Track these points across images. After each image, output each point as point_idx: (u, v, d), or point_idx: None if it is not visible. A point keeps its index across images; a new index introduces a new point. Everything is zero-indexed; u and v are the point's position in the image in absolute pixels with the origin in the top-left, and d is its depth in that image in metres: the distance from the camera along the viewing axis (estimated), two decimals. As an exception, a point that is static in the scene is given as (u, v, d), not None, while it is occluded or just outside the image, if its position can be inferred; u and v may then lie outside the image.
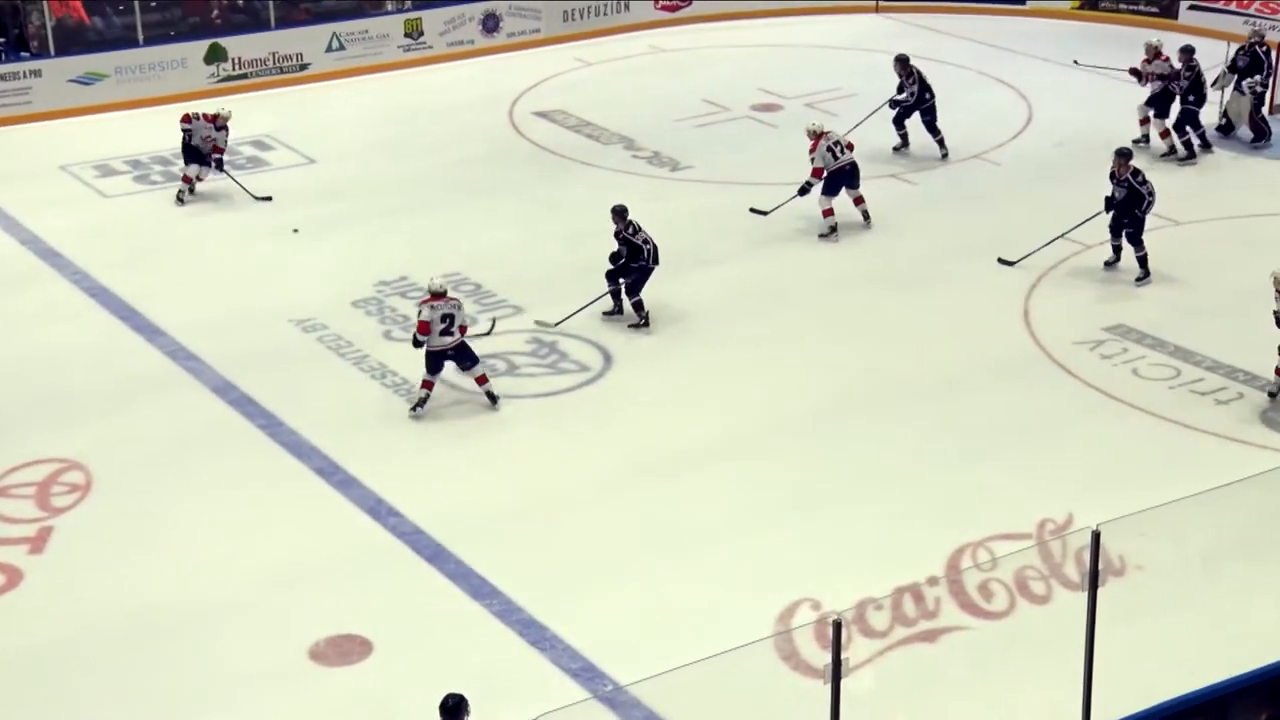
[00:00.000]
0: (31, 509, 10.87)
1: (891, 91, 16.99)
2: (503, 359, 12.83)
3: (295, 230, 15.51)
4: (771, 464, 11.31)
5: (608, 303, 13.48)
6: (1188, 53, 16.87)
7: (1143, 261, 13.95)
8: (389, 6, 21.00)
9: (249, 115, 18.82)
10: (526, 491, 11.08)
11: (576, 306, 13.43)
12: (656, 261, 13.40)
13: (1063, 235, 14.24)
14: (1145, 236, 13.97)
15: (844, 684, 6.85)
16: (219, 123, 16.13)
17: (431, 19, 20.93)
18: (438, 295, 11.82)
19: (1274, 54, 17.11)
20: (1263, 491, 8.78)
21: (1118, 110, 17.67)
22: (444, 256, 14.83)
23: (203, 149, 16.08)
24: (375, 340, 13.25)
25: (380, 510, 10.83)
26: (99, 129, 18.48)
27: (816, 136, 14.94)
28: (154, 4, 19.87)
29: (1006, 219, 15.40)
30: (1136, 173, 13.92)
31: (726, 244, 15.07)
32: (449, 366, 12.01)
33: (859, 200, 15.15)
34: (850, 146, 15.09)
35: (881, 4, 22.68)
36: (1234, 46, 17.13)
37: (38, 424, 11.98)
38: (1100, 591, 7.31)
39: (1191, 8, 21.07)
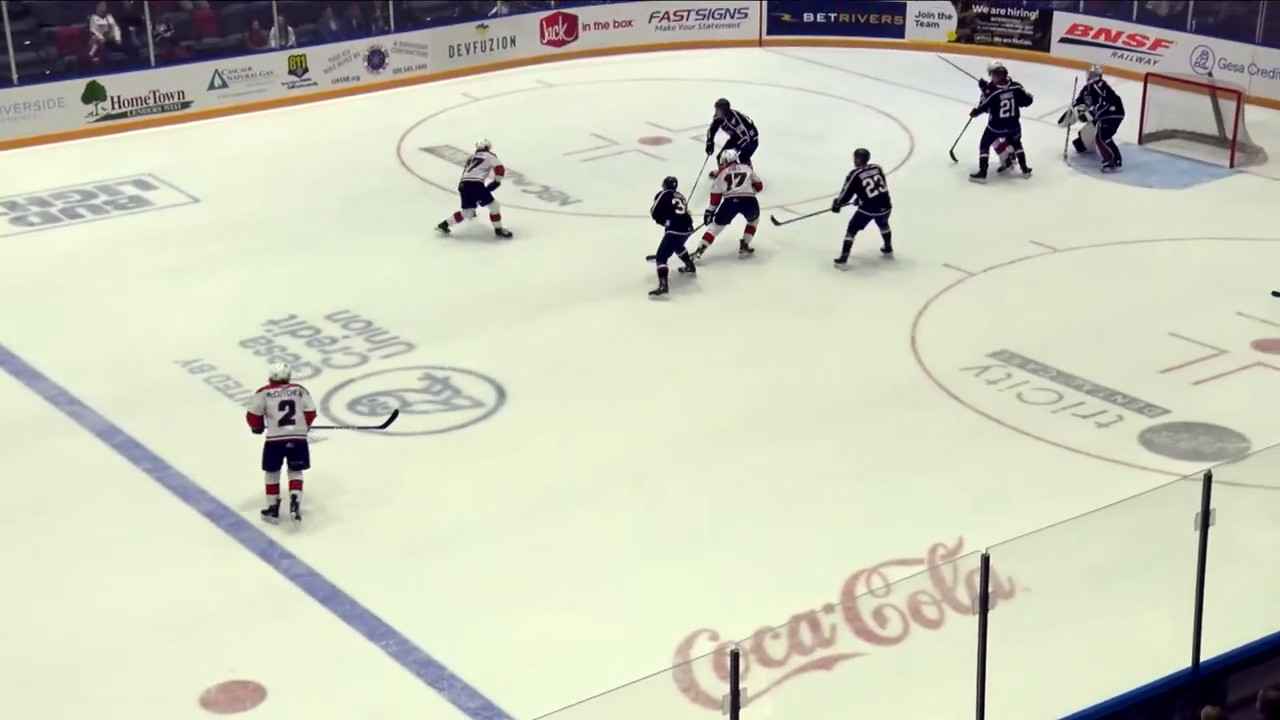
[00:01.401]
0: (-93, 561, 10.55)
1: (779, 123, 17.17)
2: (396, 396, 12.74)
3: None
4: (666, 495, 11.35)
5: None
6: (998, 74, 17.44)
7: (846, 247, 15.17)
8: (272, 44, 20.83)
9: (130, 154, 18.57)
10: (420, 529, 11.00)
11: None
12: (680, 227, 14.55)
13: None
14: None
15: (743, 714, 6.87)
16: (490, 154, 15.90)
17: (316, 56, 20.80)
18: (278, 382, 10.90)
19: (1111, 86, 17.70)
20: (1143, 511, 8.99)
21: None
22: (333, 293, 14.72)
23: (485, 181, 15.82)
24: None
25: (272, 553, 10.67)
26: (-26, 170, 18.07)
27: (724, 165, 15.36)
28: (28, 42, 19.51)
29: (893, 244, 15.63)
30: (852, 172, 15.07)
31: (618, 276, 15.13)
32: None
33: (749, 229, 15.39)
34: (758, 186, 15.27)
35: (766, 38, 23.01)
36: (1080, 85, 17.67)
37: (-87, 473, 11.64)
38: (991, 614, 7.42)
39: (1062, 40, 21.69)
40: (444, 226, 16.01)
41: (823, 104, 20.30)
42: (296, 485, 11.00)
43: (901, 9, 22.68)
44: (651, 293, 14.49)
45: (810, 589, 9.99)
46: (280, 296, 14.66)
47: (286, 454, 10.91)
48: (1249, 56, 19.62)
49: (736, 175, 15.18)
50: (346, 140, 19.33)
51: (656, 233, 14.75)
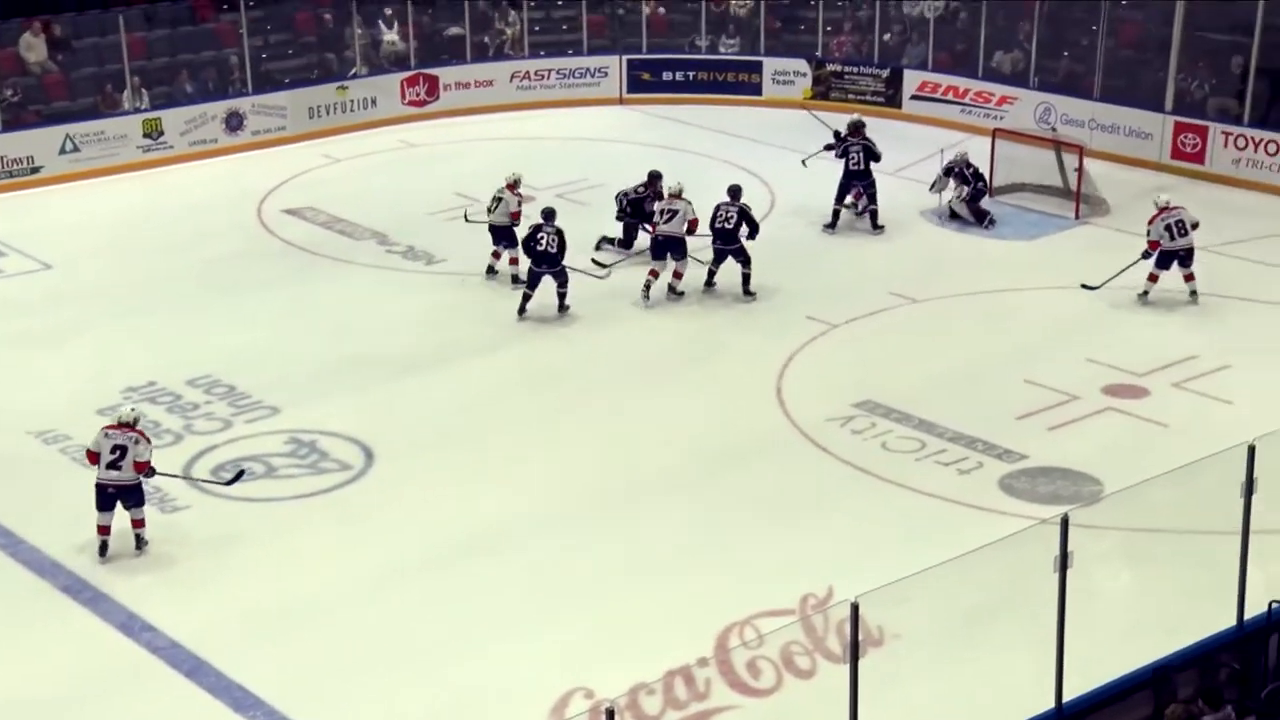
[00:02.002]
0: None
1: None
2: (261, 461, 12.53)
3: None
4: (536, 555, 11.30)
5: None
6: (853, 127, 17.98)
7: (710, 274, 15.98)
8: (126, 107, 20.49)
9: (-23, 220, 18.09)
10: (287, 596, 10.80)
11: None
12: (538, 263, 15.06)
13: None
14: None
15: (620, 772, 6.87)
16: (517, 190, 16.18)
17: (171, 118, 20.50)
18: (120, 425, 10.98)
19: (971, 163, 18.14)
20: (1005, 555, 9.18)
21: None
22: (195, 359, 14.45)
23: (508, 223, 16.05)
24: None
25: (133, 626, 10.39)
26: None
27: (668, 196, 15.96)
28: None
29: (757, 298, 15.88)
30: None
31: (485, 335, 15.13)
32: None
33: (676, 274, 15.77)
34: (692, 225, 15.68)
35: (626, 96, 23.28)
36: (947, 156, 18.18)
37: None
38: (861, 662, 7.53)
39: (913, 98, 22.31)
40: (491, 270, 16.20)
41: (684, 160, 20.49)
42: (137, 524, 11.10)
43: (758, 67, 23.16)
44: (519, 309, 15.25)
45: (683, 643, 10.01)
46: (139, 363, 14.35)
47: (114, 498, 10.95)
48: (1089, 112, 20.38)
49: (668, 212, 15.60)
50: (205, 203, 19.06)
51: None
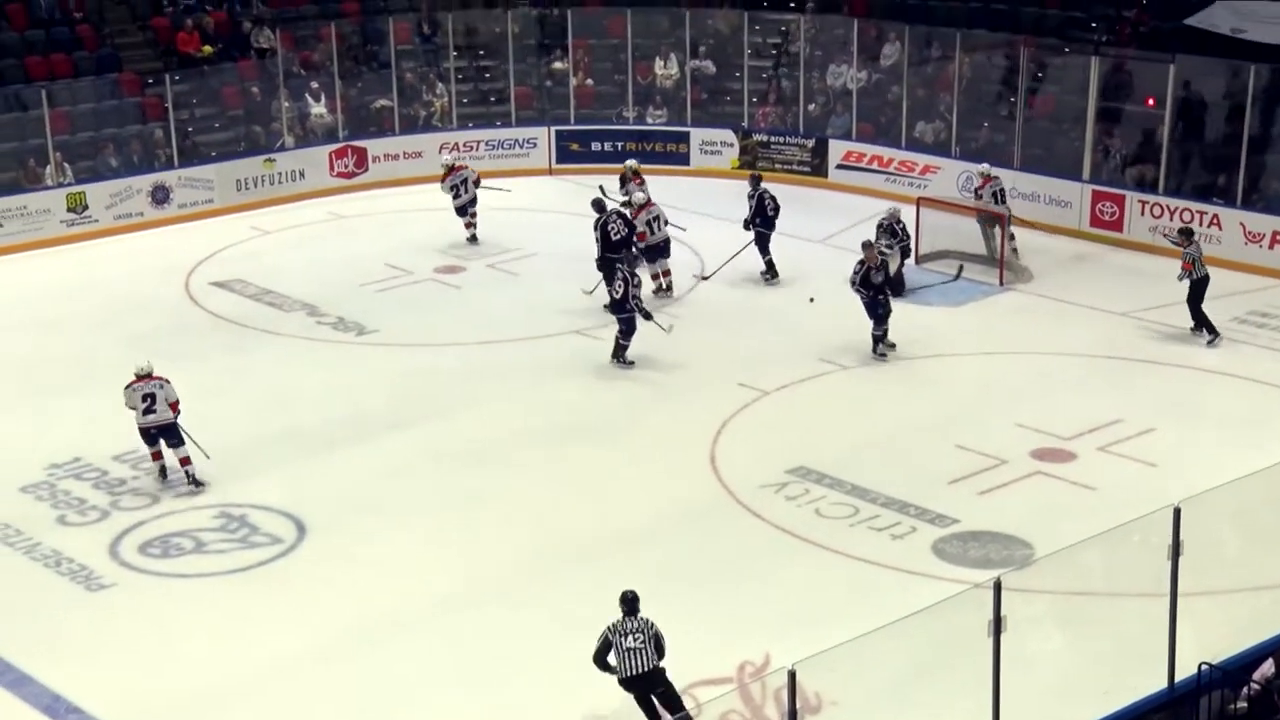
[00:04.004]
0: None
1: (571, 248, 17.52)
2: (189, 536, 12.36)
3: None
4: (473, 627, 11.23)
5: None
6: (753, 182, 18.55)
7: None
8: (49, 181, 20.32)
9: (-103, 295, 17.81)
10: (218, 674, 10.63)
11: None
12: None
13: None
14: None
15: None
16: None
17: (96, 192, 20.37)
18: (141, 377, 12.69)
19: (908, 225, 18.50)
20: (940, 619, 9.24)
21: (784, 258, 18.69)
22: (121, 433, 14.18)
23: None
24: (49, 527, 12.56)
25: (57, 708, 10.20)
26: None
27: (641, 206, 17.68)
28: None
29: (689, 365, 15.98)
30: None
31: (417, 407, 15.06)
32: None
33: (666, 272, 17.78)
34: (666, 221, 17.83)
35: (555, 167, 23.44)
36: (881, 222, 18.47)
37: None
38: (800, 729, 7.54)
39: (839, 167, 22.66)
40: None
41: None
42: (185, 462, 12.92)
43: (685, 137, 23.43)
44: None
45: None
46: (64, 438, 14.15)
47: (157, 437, 12.81)
48: (1010, 181, 20.67)
49: (656, 219, 17.68)
50: (132, 277, 18.91)
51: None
